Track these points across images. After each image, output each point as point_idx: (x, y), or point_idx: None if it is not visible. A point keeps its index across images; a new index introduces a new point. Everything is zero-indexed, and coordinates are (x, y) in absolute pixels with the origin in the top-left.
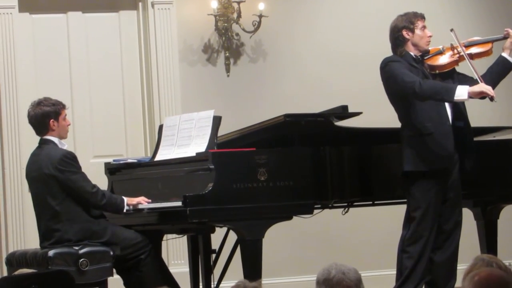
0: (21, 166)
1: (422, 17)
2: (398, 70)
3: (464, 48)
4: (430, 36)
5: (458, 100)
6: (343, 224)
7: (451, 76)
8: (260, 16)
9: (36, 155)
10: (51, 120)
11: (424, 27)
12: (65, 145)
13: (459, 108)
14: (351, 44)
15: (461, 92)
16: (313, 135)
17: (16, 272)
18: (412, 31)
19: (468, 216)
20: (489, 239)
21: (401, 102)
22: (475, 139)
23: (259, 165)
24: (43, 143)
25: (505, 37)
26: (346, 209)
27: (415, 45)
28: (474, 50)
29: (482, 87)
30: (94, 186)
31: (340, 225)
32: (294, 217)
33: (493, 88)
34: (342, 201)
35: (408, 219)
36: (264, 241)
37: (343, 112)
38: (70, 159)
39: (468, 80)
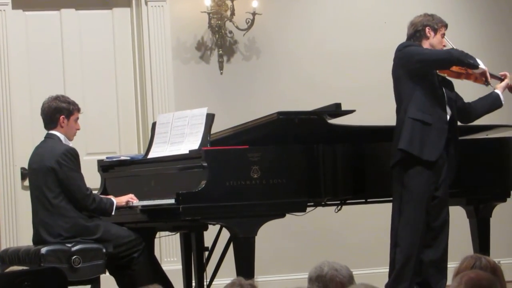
0: (14, 163)
1: (446, 26)
2: (420, 47)
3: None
4: (445, 46)
5: (481, 69)
6: (336, 222)
7: (451, 87)
8: (254, 14)
9: (40, 147)
10: (62, 116)
11: (444, 35)
12: (70, 143)
13: (453, 118)
14: (345, 42)
15: (481, 62)
16: (307, 132)
17: (8, 270)
18: (435, 32)
19: (460, 214)
20: (481, 237)
21: (411, 85)
22: (468, 137)
23: (252, 162)
24: (48, 137)
25: (500, 78)
26: (339, 207)
27: (431, 46)
28: (476, 75)
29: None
30: (88, 188)
31: (333, 223)
32: (287, 215)
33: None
34: (335, 199)
35: (399, 211)
36: (257, 239)
37: (336, 110)
38: (72, 155)
39: (460, 99)
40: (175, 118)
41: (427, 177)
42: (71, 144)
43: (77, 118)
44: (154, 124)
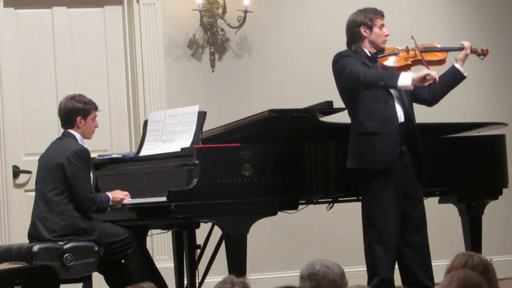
0: (6, 161)
1: (381, 14)
2: (348, 61)
3: (421, 53)
4: (387, 35)
5: (402, 87)
6: (327, 219)
7: None
8: (245, 12)
9: (54, 143)
10: (79, 117)
11: (382, 25)
12: (86, 143)
13: (408, 115)
14: (337, 39)
15: (405, 78)
16: (298, 130)
17: (0, 267)
18: (370, 28)
19: (452, 212)
20: (473, 235)
21: (351, 98)
22: (460, 135)
23: (244, 160)
24: (64, 135)
25: (460, 49)
26: (331, 204)
27: (371, 43)
28: (429, 57)
29: (425, 70)
30: (92, 191)
31: (325, 221)
32: (279, 213)
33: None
34: (327, 197)
35: (370, 218)
36: (249, 237)
37: (328, 107)
38: (84, 156)
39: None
40: (167, 116)
41: (392, 181)
42: (87, 144)
43: (95, 117)
44: (145, 122)
